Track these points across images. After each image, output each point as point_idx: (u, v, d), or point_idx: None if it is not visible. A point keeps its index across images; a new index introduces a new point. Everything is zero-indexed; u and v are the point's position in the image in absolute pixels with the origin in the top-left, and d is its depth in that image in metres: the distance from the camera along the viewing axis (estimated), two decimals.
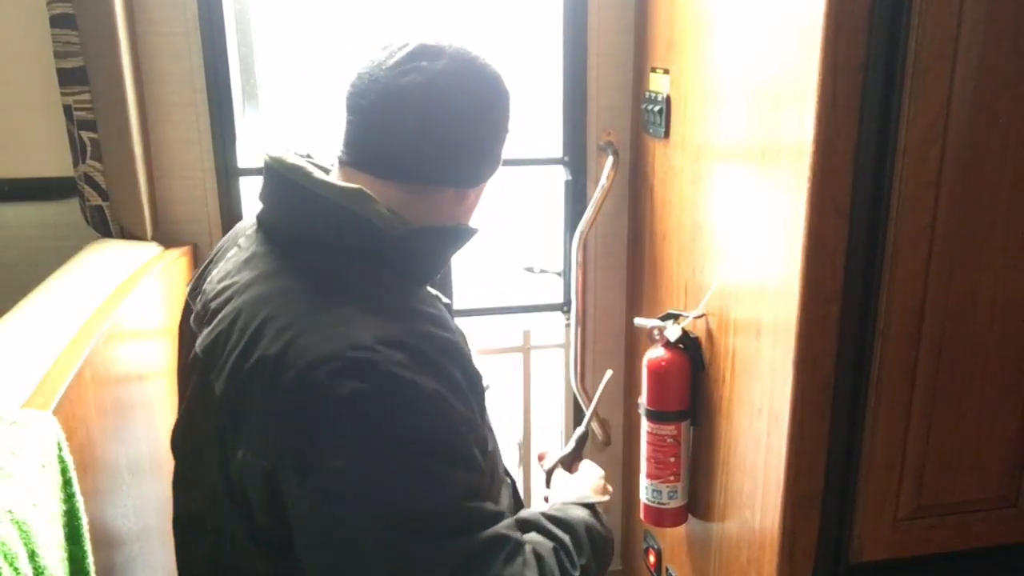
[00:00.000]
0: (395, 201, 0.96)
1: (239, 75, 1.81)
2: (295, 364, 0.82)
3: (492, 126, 0.99)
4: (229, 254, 1.02)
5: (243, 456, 0.86)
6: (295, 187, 0.94)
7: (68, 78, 1.59)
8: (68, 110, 1.61)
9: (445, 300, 1.10)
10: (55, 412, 0.96)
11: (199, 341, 0.94)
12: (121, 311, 1.30)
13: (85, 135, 1.62)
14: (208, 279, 1.02)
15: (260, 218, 1.01)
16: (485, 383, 0.98)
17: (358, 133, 0.97)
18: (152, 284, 1.52)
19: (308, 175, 0.94)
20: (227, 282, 0.96)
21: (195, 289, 1.05)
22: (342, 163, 0.99)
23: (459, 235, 1.02)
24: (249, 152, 1.85)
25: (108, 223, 1.67)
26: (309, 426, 0.81)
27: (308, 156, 1.04)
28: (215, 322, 0.93)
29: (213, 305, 0.95)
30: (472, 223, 1.06)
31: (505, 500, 1.11)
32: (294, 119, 2.05)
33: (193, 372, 0.96)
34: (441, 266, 1.03)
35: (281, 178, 0.96)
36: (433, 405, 0.84)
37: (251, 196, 1.88)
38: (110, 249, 1.61)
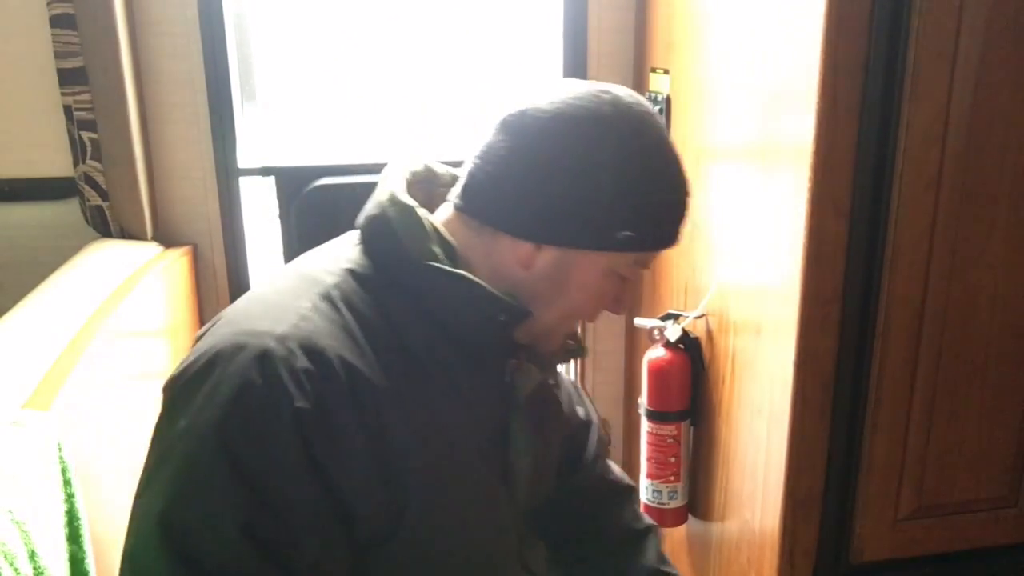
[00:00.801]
0: (462, 237, 0.89)
1: (238, 75, 1.82)
2: (231, 324, 0.83)
3: (575, 178, 0.84)
4: None
5: None
6: (376, 184, 0.93)
7: (68, 78, 1.59)
8: (68, 110, 1.61)
9: (517, 396, 0.92)
10: (55, 412, 0.96)
11: None
12: (121, 311, 1.31)
13: (85, 135, 1.62)
14: None
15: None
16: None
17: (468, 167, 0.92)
18: (152, 284, 1.52)
19: (388, 175, 0.92)
20: None
21: None
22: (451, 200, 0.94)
23: (481, 295, 0.86)
24: (249, 152, 1.85)
25: (108, 223, 1.67)
26: (192, 378, 0.80)
27: (451, 178, 0.98)
28: None
29: None
30: (537, 303, 0.89)
31: None
32: (293, 118, 2.05)
33: None
34: (472, 326, 0.87)
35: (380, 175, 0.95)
36: (276, 420, 0.76)
37: (251, 196, 1.88)
38: (110, 249, 1.61)
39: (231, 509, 0.75)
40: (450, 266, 0.86)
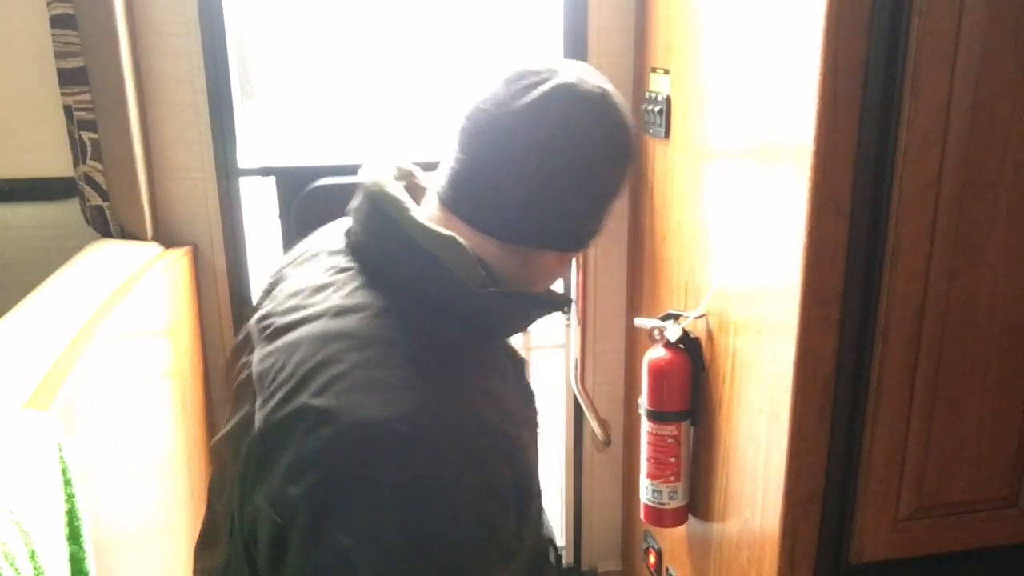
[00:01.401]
0: (489, 255, 0.88)
1: (238, 75, 1.82)
2: (337, 420, 0.75)
3: (610, 186, 0.90)
4: (309, 264, 0.95)
5: (259, 501, 0.79)
6: (387, 219, 0.86)
7: (68, 78, 1.59)
8: (68, 110, 1.61)
9: (519, 357, 1.02)
10: (55, 412, 0.96)
11: (256, 360, 0.87)
12: (121, 311, 1.31)
13: (85, 135, 1.62)
14: (280, 287, 0.95)
15: (348, 239, 0.92)
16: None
17: (465, 177, 0.87)
18: (153, 284, 1.52)
19: (404, 211, 0.86)
20: (298, 301, 0.89)
21: (269, 291, 0.98)
22: (441, 201, 0.89)
23: (550, 304, 0.94)
24: (249, 152, 1.85)
25: (108, 223, 1.67)
26: (331, 491, 0.74)
27: (409, 174, 0.97)
28: (275, 345, 0.85)
29: (278, 323, 0.88)
30: (556, 287, 1.00)
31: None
32: (293, 118, 2.06)
33: (245, 394, 0.88)
34: (523, 328, 0.97)
35: (376, 206, 0.88)
36: (448, 506, 0.74)
37: (251, 196, 1.89)
38: (110, 249, 1.61)
39: None
40: (497, 285, 0.87)
